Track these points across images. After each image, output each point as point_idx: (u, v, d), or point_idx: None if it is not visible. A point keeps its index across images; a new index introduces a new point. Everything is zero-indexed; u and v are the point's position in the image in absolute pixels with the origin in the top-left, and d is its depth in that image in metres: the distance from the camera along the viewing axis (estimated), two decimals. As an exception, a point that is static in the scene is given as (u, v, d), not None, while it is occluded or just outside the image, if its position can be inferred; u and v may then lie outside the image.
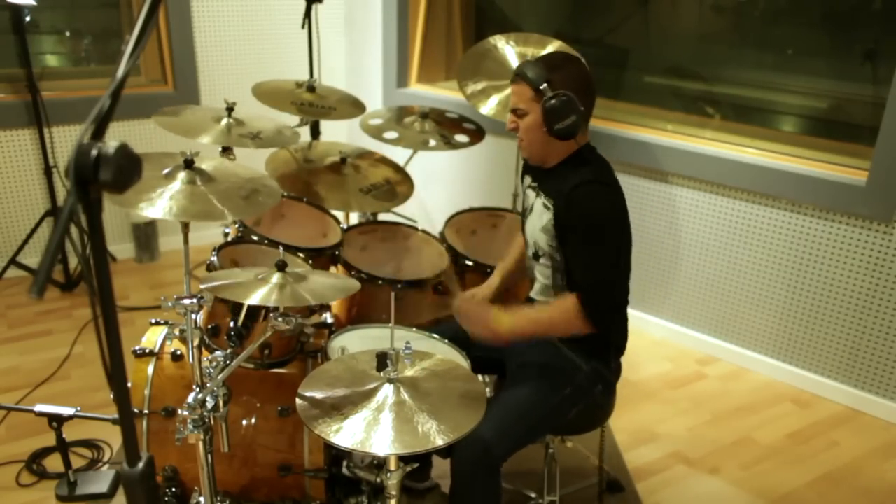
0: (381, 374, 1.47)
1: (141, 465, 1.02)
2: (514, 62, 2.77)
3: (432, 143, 2.80)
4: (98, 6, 3.78)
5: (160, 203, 1.58)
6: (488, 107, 2.67)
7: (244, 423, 1.91)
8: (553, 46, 2.78)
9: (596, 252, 1.72)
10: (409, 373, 1.51)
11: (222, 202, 1.64)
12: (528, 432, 1.80)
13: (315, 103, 2.69)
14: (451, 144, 2.78)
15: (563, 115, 1.69)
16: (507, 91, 2.70)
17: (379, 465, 1.60)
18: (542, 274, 1.89)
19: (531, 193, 1.92)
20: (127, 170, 0.84)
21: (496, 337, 1.78)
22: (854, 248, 2.73)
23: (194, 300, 1.59)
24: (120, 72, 0.90)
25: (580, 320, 1.70)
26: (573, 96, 1.69)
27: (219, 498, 1.89)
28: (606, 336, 1.86)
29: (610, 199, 1.74)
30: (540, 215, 1.84)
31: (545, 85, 1.70)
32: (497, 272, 2.18)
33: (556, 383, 1.82)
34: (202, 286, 1.60)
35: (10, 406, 2.44)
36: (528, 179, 1.96)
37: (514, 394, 1.81)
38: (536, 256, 1.89)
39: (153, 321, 2.10)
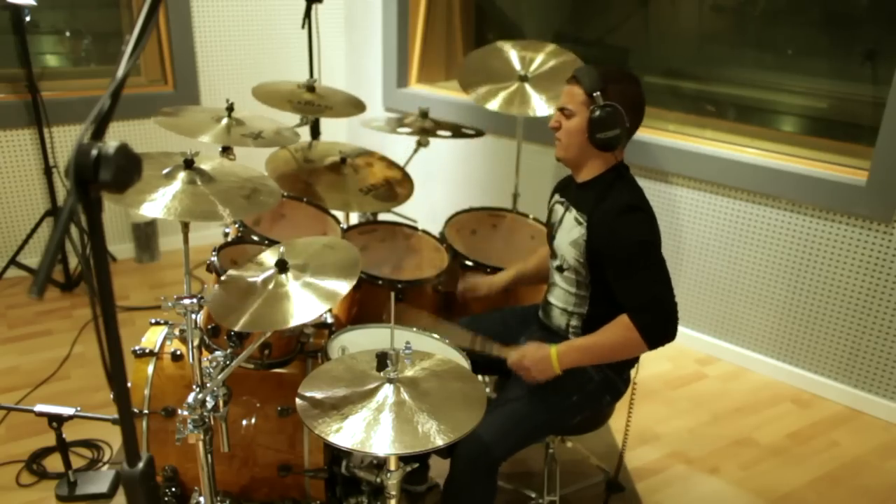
0: (381, 374, 1.47)
1: (141, 465, 1.02)
2: (516, 63, 2.78)
3: (404, 130, 2.80)
4: (98, 6, 3.78)
5: (161, 203, 1.58)
6: (495, 104, 2.68)
7: (244, 423, 1.91)
8: (549, 49, 2.80)
9: (646, 276, 1.72)
10: (409, 373, 1.51)
11: (222, 202, 1.64)
12: (529, 434, 1.80)
13: (314, 102, 2.69)
14: (422, 144, 2.79)
15: (607, 126, 1.70)
16: (512, 88, 2.71)
17: (379, 465, 1.60)
18: (566, 282, 1.88)
19: (559, 208, 1.91)
20: (127, 170, 0.84)
21: (553, 375, 1.77)
22: (854, 248, 2.73)
23: (194, 300, 1.59)
24: (120, 72, 0.90)
25: (640, 342, 1.70)
26: (621, 110, 1.70)
27: (219, 498, 1.89)
28: None
29: (650, 225, 1.75)
30: (570, 229, 1.82)
31: (598, 93, 1.70)
32: (513, 271, 2.18)
33: (564, 389, 1.81)
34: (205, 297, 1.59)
35: (10, 406, 2.44)
36: (556, 197, 1.96)
37: (519, 395, 1.81)
38: (561, 269, 1.87)
39: (153, 321, 2.09)
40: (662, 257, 1.74)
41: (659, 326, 1.70)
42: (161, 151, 1.80)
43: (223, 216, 1.62)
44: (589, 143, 1.74)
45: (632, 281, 1.72)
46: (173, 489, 1.94)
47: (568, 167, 1.88)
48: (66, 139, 3.63)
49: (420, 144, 2.85)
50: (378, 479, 1.54)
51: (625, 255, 1.72)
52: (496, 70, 2.78)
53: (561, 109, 1.80)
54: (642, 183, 2.78)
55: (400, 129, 2.79)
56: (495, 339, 2.02)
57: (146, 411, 1.89)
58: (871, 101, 2.77)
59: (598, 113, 1.70)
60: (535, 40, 2.86)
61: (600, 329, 1.75)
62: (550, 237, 1.95)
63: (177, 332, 1.80)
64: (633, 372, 1.95)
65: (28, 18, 3.24)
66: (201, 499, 1.78)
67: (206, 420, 1.62)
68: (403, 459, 1.50)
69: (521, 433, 1.76)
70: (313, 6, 3.14)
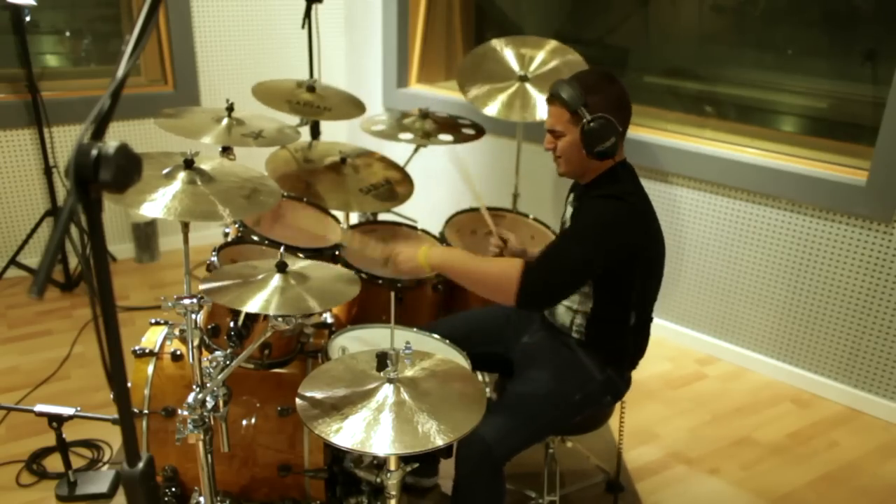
0: (381, 374, 1.47)
1: (141, 465, 1.02)
2: (514, 63, 2.77)
3: (406, 136, 2.80)
4: (98, 6, 3.78)
5: (161, 203, 1.58)
6: (494, 108, 2.67)
7: (244, 423, 1.91)
8: (550, 47, 2.79)
9: (564, 242, 1.70)
10: (408, 373, 1.51)
11: (222, 202, 1.64)
12: (531, 434, 1.80)
13: (313, 103, 2.69)
14: (429, 140, 2.77)
15: (603, 138, 1.68)
16: (511, 90, 2.71)
17: (379, 465, 1.60)
18: None
19: (569, 209, 1.92)
20: (127, 170, 0.84)
21: (421, 268, 1.78)
22: (854, 248, 2.73)
23: (194, 300, 1.59)
24: (120, 72, 0.90)
25: (511, 288, 1.66)
26: (611, 118, 1.68)
27: (219, 498, 1.89)
28: (626, 347, 1.86)
29: (616, 211, 1.70)
30: None
31: (582, 108, 1.68)
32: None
33: (566, 389, 1.81)
34: (202, 287, 1.60)
35: (10, 406, 2.44)
36: (571, 196, 1.96)
37: (521, 394, 1.81)
38: None
39: (153, 321, 2.09)
40: (598, 248, 1.68)
41: (536, 290, 1.66)
42: (161, 151, 1.80)
43: (223, 216, 1.62)
44: (588, 156, 1.72)
45: (555, 242, 1.72)
46: (173, 489, 1.94)
47: (574, 179, 1.88)
48: (66, 139, 3.63)
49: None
50: (378, 479, 1.54)
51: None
52: (494, 71, 2.78)
53: (550, 131, 1.78)
54: (642, 183, 2.77)
55: (401, 136, 2.79)
56: (496, 338, 2.03)
57: (146, 411, 1.89)
58: (871, 101, 2.77)
59: (590, 127, 1.68)
60: (534, 36, 2.84)
61: (488, 257, 1.77)
62: None
63: (177, 332, 1.80)
64: (640, 373, 1.95)
65: (28, 18, 3.24)
66: (201, 499, 1.78)
67: (206, 420, 1.62)
68: (403, 459, 1.50)
69: (522, 433, 1.76)
70: (313, 6, 3.15)
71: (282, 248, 1.76)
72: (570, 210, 1.92)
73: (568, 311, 1.90)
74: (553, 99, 1.74)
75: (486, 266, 1.72)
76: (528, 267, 1.66)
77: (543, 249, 1.71)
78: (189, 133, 2.18)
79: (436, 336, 1.95)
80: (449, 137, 2.81)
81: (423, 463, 1.70)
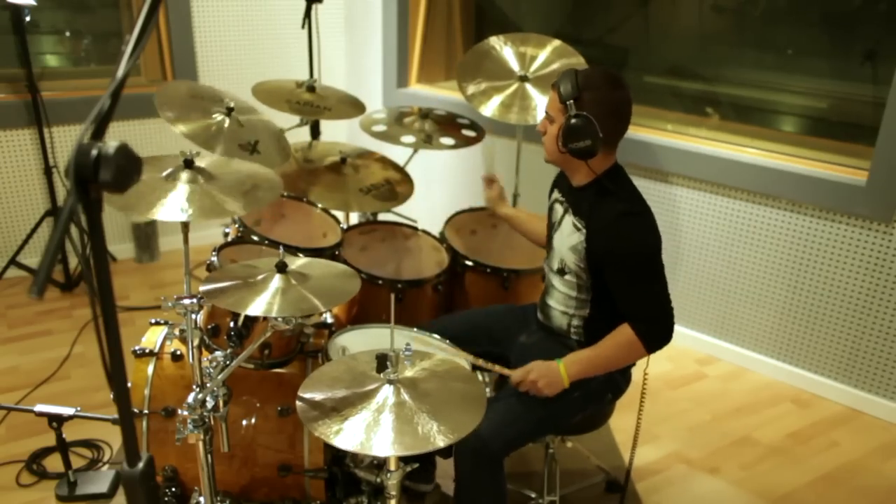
0: (381, 374, 1.47)
1: (141, 465, 1.02)
2: (514, 63, 2.77)
3: (408, 139, 2.79)
4: (98, 6, 3.78)
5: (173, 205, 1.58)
6: (490, 108, 2.66)
7: (244, 423, 1.91)
8: (552, 46, 2.79)
9: (648, 285, 1.73)
10: (408, 373, 1.51)
11: (226, 197, 1.64)
12: (528, 430, 1.80)
13: (312, 102, 2.69)
14: (431, 144, 2.77)
15: (578, 137, 1.68)
16: (510, 91, 2.70)
17: (379, 465, 1.60)
18: (566, 286, 1.87)
19: (559, 208, 1.91)
20: (127, 170, 0.84)
21: (562, 389, 1.77)
22: (854, 248, 2.73)
23: (194, 300, 1.59)
24: (120, 72, 0.90)
25: (642, 351, 1.73)
26: (593, 120, 1.67)
27: (219, 498, 1.89)
28: None
29: (651, 230, 1.75)
30: (569, 234, 1.82)
31: (571, 102, 1.69)
32: (515, 211, 2.28)
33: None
34: (202, 288, 1.60)
35: (10, 406, 2.44)
36: (556, 193, 1.95)
37: (516, 390, 1.81)
38: (562, 272, 1.87)
39: (153, 321, 2.09)
40: (661, 263, 1.74)
41: (660, 334, 1.73)
42: (160, 155, 1.80)
43: (229, 213, 1.61)
44: (560, 150, 1.74)
45: (633, 291, 1.73)
46: (173, 489, 1.94)
47: (557, 166, 1.88)
48: (66, 139, 3.63)
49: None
50: (378, 479, 1.54)
51: (626, 264, 1.72)
52: (494, 69, 2.77)
53: (546, 113, 1.80)
54: (642, 183, 2.76)
55: (403, 138, 2.79)
56: (494, 336, 2.03)
57: (146, 411, 1.89)
58: (871, 101, 2.77)
59: (570, 122, 1.69)
60: (537, 34, 2.83)
61: (602, 340, 1.77)
62: (548, 237, 1.95)
63: (177, 332, 1.80)
64: (640, 371, 1.95)
65: (28, 18, 3.24)
66: (201, 499, 1.78)
67: (206, 420, 1.62)
68: (403, 460, 1.50)
69: (519, 428, 1.76)
70: (313, 6, 3.15)
71: (281, 249, 1.76)
72: (560, 210, 1.90)
73: (564, 316, 1.90)
74: (554, 85, 1.77)
75: (608, 351, 1.77)
76: (637, 327, 1.72)
77: (631, 304, 1.74)
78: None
79: (436, 336, 1.95)
80: (450, 141, 2.81)
81: (419, 468, 1.70)
